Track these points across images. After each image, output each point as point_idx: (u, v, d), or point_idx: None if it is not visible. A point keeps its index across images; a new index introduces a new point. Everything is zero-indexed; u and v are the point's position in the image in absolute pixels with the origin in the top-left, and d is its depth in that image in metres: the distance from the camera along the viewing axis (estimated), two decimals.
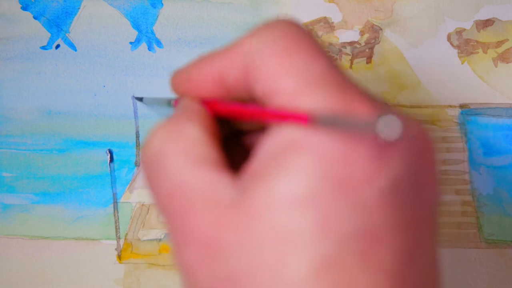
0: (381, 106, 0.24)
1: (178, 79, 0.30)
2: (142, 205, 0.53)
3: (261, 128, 0.29)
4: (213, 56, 0.28)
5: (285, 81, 0.24)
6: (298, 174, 0.22)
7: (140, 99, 0.48)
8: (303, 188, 0.22)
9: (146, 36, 0.53)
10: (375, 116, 0.22)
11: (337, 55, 0.53)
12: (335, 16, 0.53)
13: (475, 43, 0.53)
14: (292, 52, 0.25)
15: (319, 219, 0.21)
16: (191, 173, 0.24)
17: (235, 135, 0.31)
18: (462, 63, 0.53)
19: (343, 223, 0.22)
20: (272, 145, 0.24)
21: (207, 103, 0.29)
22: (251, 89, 0.26)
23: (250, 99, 0.27)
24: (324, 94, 0.23)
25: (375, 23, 0.53)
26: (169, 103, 0.35)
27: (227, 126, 0.30)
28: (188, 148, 0.25)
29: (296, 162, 0.22)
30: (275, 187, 0.22)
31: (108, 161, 0.52)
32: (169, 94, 0.53)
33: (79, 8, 0.53)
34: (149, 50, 0.53)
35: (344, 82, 0.24)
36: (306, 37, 0.26)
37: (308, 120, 0.23)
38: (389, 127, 0.21)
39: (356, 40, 0.53)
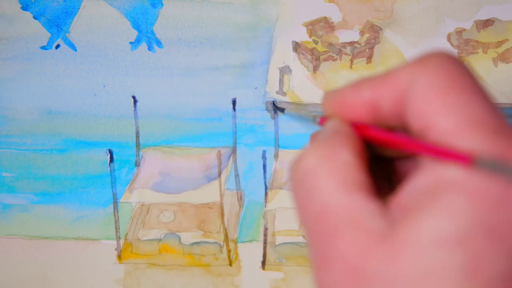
0: None
1: (332, 100, 0.30)
2: (142, 205, 0.53)
3: (404, 157, 0.30)
4: (369, 82, 0.29)
5: (444, 118, 0.24)
6: (452, 215, 0.22)
7: (282, 110, 0.49)
8: (455, 229, 0.22)
9: (146, 36, 0.53)
10: None
11: (337, 55, 0.53)
12: (335, 16, 0.53)
13: (475, 43, 0.53)
14: (452, 89, 0.25)
15: (468, 260, 0.22)
16: (342, 197, 0.25)
17: (374, 159, 0.32)
18: None
19: (493, 267, 0.22)
20: (425, 180, 0.24)
21: (357, 127, 0.29)
22: (404, 120, 0.27)
23: (399, 128, 0.28)
24: (484, 137, 0.24)
25: (375, 23, 0.53)
26: (314, 119, 0.36)
27: (369, 151, 0.31)
28: (341, 172, 0.25)
29: (450, 202, 0.23)
30: (426, 224, 0.22)
31: (108, 161, 0.52)
32: (171, 95, 0.53)
33: (79, 8, 0.53)
34: (149, 50, 0.53)
35: (504, 126, 0.24)
36: (466, 74, 0.26)
37: (468, 161, 0.23)
38: None
39: (356, 40, 0.53)
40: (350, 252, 0.23)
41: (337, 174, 0.25)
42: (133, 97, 0.53)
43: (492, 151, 0.23)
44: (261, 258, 0.51)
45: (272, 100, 0.53)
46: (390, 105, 0.27)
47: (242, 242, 0.52)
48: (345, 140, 0.27)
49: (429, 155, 0.25)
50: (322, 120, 0.33)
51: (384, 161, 0.32)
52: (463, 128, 0.24)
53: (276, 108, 0.51)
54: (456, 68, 0.26)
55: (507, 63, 0.53)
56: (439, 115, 0.25)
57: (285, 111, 0.48)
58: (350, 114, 0.29)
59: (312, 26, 0.53)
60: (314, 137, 0.33)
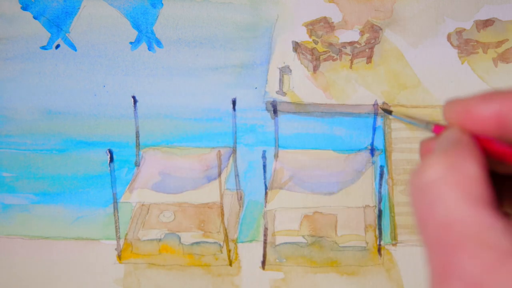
0: None
1: (457, 108, 0.30)
2: (142, 205, 0.53)
3: None
4: (500, 94, 0.28)
5: None
6: None
7: (389, 112, 0.48)
8: None
9: (146, 36, 0.53)
10: None
11: (337, 55, 0.53)
12: (335, 16, 0.53)
13: (475, 43, 0.53)
14: None
15: None
16: (468, 211, 0.24)
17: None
18: (462, 63, 0.53)
19: None
20: None
21: (478, 140, 0.28)
22: None
23: None
24: None
25: (375, 23, 0.53)
26: (427, 126, 0.35)
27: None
28: (467, 185, 0.25)
29: None
30: None
31: (108, 161, 0.52)
32: (171, 95, 0.53)
33: (79, 8, 0.53)
34: (149, 50, 0.53)
35: None
36: None
37: None
38: None
39: (356, 40, 0.53)
40: (473, 269, 0.23)
41: (463, 187, 0.25)
42: (133, 97, 0.53)
43: None
44: (261, 258, 0.51)
45: (272, 99, 0.53)
46: None
47: (242, 242, 0.52)
48: (470, 152, 0.26)
49: None
50: (437, 128, 0.33)
51: (496, 177, 0.31)
52: None
53: (384, 111, 0.50)
54: None
55: (507, 63, 0.53)
56: None
57: (393, 113, 0.48)
58: (475, 125, 0.28)
59: (312, 26, 0.53)
60: (427, 145, 0.32)
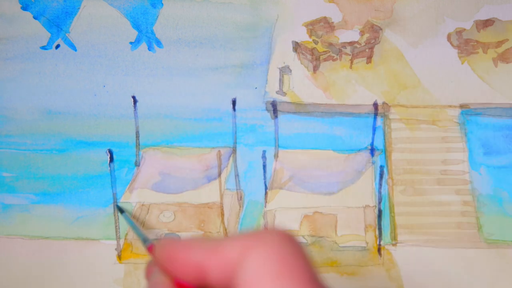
0: None
1: (165, 250, 0.31)
2: (142, 205, 0.53)
3: None
4: (201, 245, 0.29)
5: None
6: None
7: (121, 211, 0.50)
8: None
9: (146, 36, 0.53)
10: None
11: (337, 55, 0.53)
12: (335, 16, 0.53)
13: (475, 43, 0.53)
14: (282, 277, 0.25)
15: None
16: None
17: None
18: (462, 63, 0.53)
19: None
20: None
21: (182, 286, 0.30)
22: None
23: None
24: None
25: (375, 23, 0.53)
26: (144, 241, 0.37)
27: None
28: None
29: None
30: None
31: (108, 161, 0.52)
32: (171, 95, 0.53)
33: (79, 8, 0.53)
34: (149, 50, 0.53)
35: None
36: (299, 260, 0.26)
37: None
38: None
39: (356, 40, 0.53)
40: None
41: None
42: (133, 97, 0.53)
43: None
44: None
45: (272, 99, 0.53)
46: (218, 275, 0.28)
47: None
48: None
49: None
50: (150, 248, 0.34)
51: None
52: None
53: (117, 208, 0.51)
54: (289, 251, 0.26)
55: (507, 63, 0.53)
56: None
57: (124, 214, 0.49)
58: (177, 270, 0.29)
59: (312, 26, 0.53)
60: (148, 269, 0.33)
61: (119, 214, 0.51)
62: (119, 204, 0.51)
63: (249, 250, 0.27)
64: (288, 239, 0.27)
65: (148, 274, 0.33)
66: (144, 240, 0.39)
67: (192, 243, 0.30)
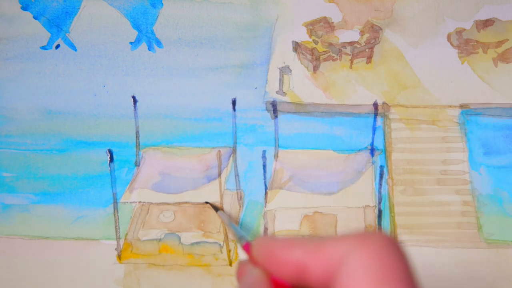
0: None
1: (262, 248, 0.31)
2: (142, 205, 0.53)
3: None
4: (303, 244, 0.29)
5: None
6: None
7: (216, 209, 0.49)
8: None
9: (146, 36, 0.53)
10: None
11: (337, 55, 0.53)
12: (335, 16, 0.53)
13: (475, 43, 0.53)
14: (385, 281, 0.25)
15: None
16: None
17: None
18: (462, 63, 0.53)
19: None
20: None
21: (279, 284, 0.29)
22: None
23: None
24: None
25: (375, 23, 0.53)
26: (240, 239, 0.37)
27: None
28: None
29: None
30: None
31: (108, 161, 0.52)
32: (171, 95, 0.53)
33: (79, 8, 0.53)
34: (149, 50, 0.53)
35: None
36: (402, 267, 0.26)
37: None
38: None
39: (356, 40, 0.53)
40: None
41: None
42: (133, 97, 0.53)
43: None
44: None
45: (272, 99, 0.53)
46: (319, 274, 0.27)
47: None
48: None
49: None
50: (247, 247, 0.34)
51: None
52: None
53: (212, 207, 0.51)
54: (393, 257, 0.26)
55: (507, 63, 0.53)
56: None
57: (219, 212, 0.49)
58: (275, 268, 0.29)
59: (312, 26, 0.53)
60: (241, 269, 0.33)
61: (216, 212, 0.50)
62: (212, 202, 0.51)
63: (352, 251, 0.26)
64: (392, 244, 0.27)
65: (241, 274, 0.32)
66: (240, 238, 0.39)
67: (291, 241, 0.29)
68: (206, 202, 0.51)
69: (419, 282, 0.26)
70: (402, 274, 0.26)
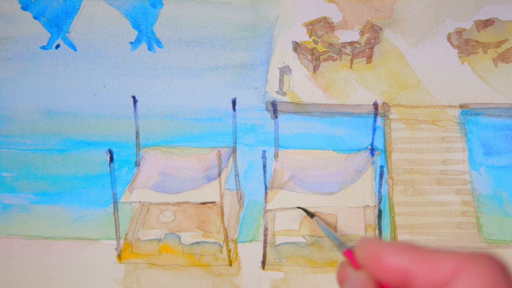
0: None
1: (368, 251, 0.30)
2: (142, 205, 0.53)
3: None
4: (412, 251, 0.29)
5: None
6: None
7: (312, 215, 0.49)
8: None
9: (146, 36, 0.53)
10: None
11: (337, 55, 0.53)
12: (335, 16, 0.53)
13: (475, 43, 0.53)
14: None
15: None
16: None
17: None
18: (462, 63, 0.53)
19: None
20: None
21: None
22: None
23: None
24: None
25: (375, 23, 0.53)
26: (340, 246, 0.37)
27: None
28: None
29: None
30: None
31: (108, 161, 0.52)
32: (171, 95, 0.53)
33: (79, 8, 0.53)
34: (149, 50, 0.53)
35: None
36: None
37: None
38: None
39: (356, 40, 0.53)
40: None
41: None
42: (133, 97, 0.53)
43: None
44: (261, 258, 0.51)
45: (272, 99, 0.53)
46: (424, 285, 0.27)
47: (242, 242, 0.52)
48: None
49: None
50: (348, 252, 0.34)
51: None
52: None
53: (306, 212, 0.50)
54: (504, 281, 0.26)
55: (507, 63, 0.53)
56: None
57: (315, 218, 0.49)
58: (380, 273, 0.29)
59: (312, 26, 0.53)
60: (342, 273, 0.33)
61: (312, 218, 0.50)
62: (305, 207, 0.51)
63: (463, 269, 0.26)
64: (503, 268, 0.27)
65: (343, 278, 0.32)
66: (340, 245, 0.39)
67: (399, 247, 0.29)
68: (299, 208, 0.50)
69: None
70: None
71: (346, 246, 0.36)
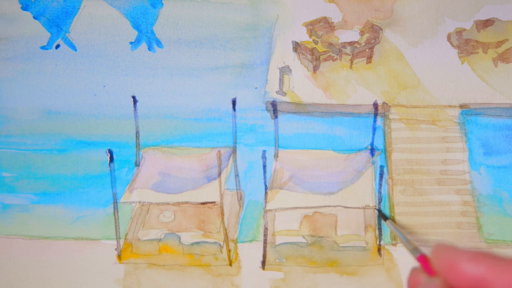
0: None
1: (445, 257, 0.30)
2: (142, 205, 0.53)
3: None
4: (489, 259, 0.28)
5: None
6: None
7: (385, 218, 0.49)
8: None
9: (146, 36, 0.53)
10: None
11: (337, 55, 0.53)
12: (335, 16, 0.53)
13: (475, 43, 0.53)
14: None
15: None
16: None
17: None
18: (462, 63, 0.53)
19: None
20: None
21: None
22: None
23: None
24: None
25: (375, 23, 0.53)
26: (413, 252, 0.37)
27: None
28: None
29: None
30: None
31: (108, 161, 0.52)
32: (171, 95, 0.53)
33: (79, 8, 0.53)
34: (149, 50, 0.53)
35: None
36: None
37: None
38: None
39: (356, 40, 0.53)
40: None
41: None
42: (133, 97, 0.53)
43: None
44: (261, 258, 0.51)
45: (272, 99, 0.53)
46: None
47: (242, 242, 0.52)
48: None
49: None
50: (421, 258, 0.34)
51: None
52: None
53: (381, 215, 0.50)
54: None
55: (507, 63, 0.53)
56: None
57: (387, 221, 0.49)
58: (455, 280, 0.29)
59: (312, 26, 0.53)
60: (414, 278, 0.33)
61: (382, 221, 0.50)
62: (381, 210, 0.51)
63: None
64: None
65: (416, 285, 0.32)
66: (413, 250, 0.39)
67: (476, 255, 0.29)
68: (376, 209, 0.50)
69: None
70: None
71: (420, 251, 0.35)
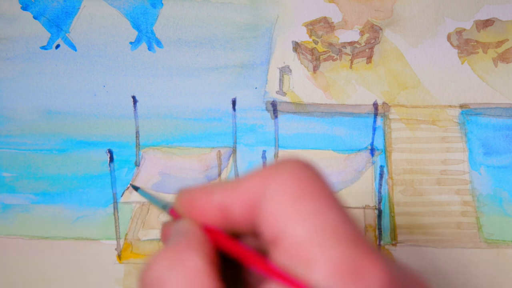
0: (391, 266, 0.25)
1: (184, 199, 0.30)
2: (142, 205, 0.53)
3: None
4: (220, 187, 0.28)
5: (294, 227, 0.25)
6: None
7: (136, 189, 0.48)
8: None
9: (146, 36, 0.53)
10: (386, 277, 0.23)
11: (337, 55, 0.53)
12: (335, 16, 0.53)
13: (475, 43, 0.53)
14: (304, 197, 0.25)
15: None
16: None
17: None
18: (462, 63, 0.53)
19: None
20: None
21: (210, 231, 0.29)
22: (257, 228, 0.27)
23: (253, 235, 0.28)
24: (334, 247, 0.24)
25: (375, 23, 0.53)
26: (164, 207, 0.35)
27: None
28: (189, 279, 0.25)
29: None
30: None
31: (108, 161, 0.52)
32: (171, 95, 0.53)
33: (79, 8, 0.53)
34: (149, 50, 0.53)
35: (356, 236, 0.25)
36: (318, 182, 0.26)
37: None
38: None
39: (356, 40, 0.53)
40: None
41: (186, 281, 0.25)
42: (133, 97, 0.53)
43: (343, 262, 0.23)
44: None
45: (272, 99, 0.53)
46: (241, 212, 0.27)
47: None
48: (194, 245, 0.27)
49: (271, 277, 0.25)
50: (173, 212, 0.33)
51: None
52: (313, 237, 0.24)
53: (132, 187, 0.50)
54: (307, 174, 0.26)
55: (507, 63, 0.53)
56: (291, 223, 0.25)
57: (139, 190, 0.48)
58: (200, 216, 0.29)
59: (312, 26, 0.53)
60: (166, 230, 0.32)
61: (135, 191, 0.50)
62: (132, 183, 0.51)
63: (268, 181, 0.26)
64: (305, 165, 0.27)
65: (167, 234, 0.31)
66: (164, 207, 0.38)
67: (210, 186, 0.29)
68: (130, 184, 0.50)
69: (338, 195, 0.26)
70: (320, 188, 0.26)
71: (171, 205, 0.33)
